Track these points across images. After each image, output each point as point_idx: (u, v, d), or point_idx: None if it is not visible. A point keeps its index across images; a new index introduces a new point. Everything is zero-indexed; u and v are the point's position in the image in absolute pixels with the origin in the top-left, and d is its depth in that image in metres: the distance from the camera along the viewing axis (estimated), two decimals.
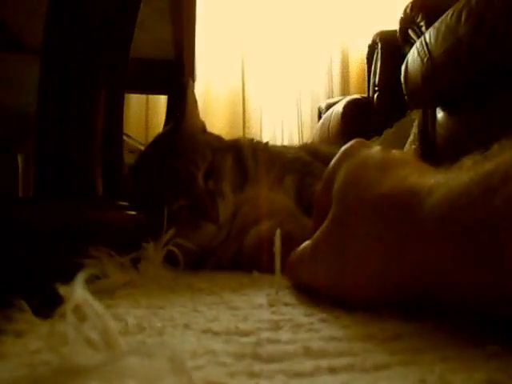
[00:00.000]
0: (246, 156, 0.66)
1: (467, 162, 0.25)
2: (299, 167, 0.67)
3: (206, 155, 0.61)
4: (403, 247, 0.26)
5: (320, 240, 0.33)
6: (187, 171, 0.58)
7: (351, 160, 0.34)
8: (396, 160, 0.32)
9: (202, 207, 0.57)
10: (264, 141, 0.78)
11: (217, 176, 0.60)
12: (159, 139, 0.68)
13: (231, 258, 0.58)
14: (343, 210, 0.31)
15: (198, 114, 0.67)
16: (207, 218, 0.57)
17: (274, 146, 0.77)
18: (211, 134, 0.69)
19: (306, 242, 0.36)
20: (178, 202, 0.57)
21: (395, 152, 0.34)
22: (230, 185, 0.61)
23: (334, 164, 0.36)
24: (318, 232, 0.34)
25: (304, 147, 0.82)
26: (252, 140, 0.75)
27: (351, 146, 0.36)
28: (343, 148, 0.36)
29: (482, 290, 0.22)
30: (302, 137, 2.65)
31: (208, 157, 0.61)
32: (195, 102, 0.66)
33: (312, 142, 1.03)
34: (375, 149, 0.34)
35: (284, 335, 0.25)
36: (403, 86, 1.46)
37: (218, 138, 0.68)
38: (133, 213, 0.46)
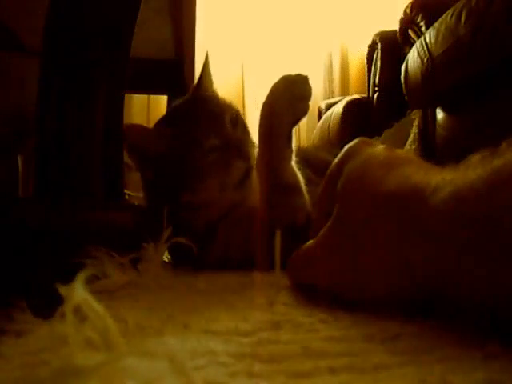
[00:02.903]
0: None
1: (474, 159, 0.25)
2: None
3: (231, 106, 0.63)
4: (408, 245, 0.26)
5: (324, 239, 0.33)
6: (216, 113, 0.60)
7: (355, 159, 0.33)
8: (400, 158, 0.32)
9: (233, 143, 0.58)
10: None
11: (242, 130, 0.62)
12: (182, 100, 0.69)
13: (238, 254, 0.56)
14: (347, 208, 0.31)
15: (212, 84, 0.69)
16: (240, 154, 0.58)
17: None
18: None
19: (309, 242, 0.35)
20: (210, 141, 0.58)
21: (399, 151, 0.34)
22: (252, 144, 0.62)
23: (338, 163, 0.35)
24: (321, 231, 0.33)
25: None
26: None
27: (355, 145, 0.36)
28: (347, 147, 0.36)
29: (485, 288, 0.22)
30: (299, 137, 2.64)
31: (234, 108, 0.63)
32: (209, 73, 0.69)
33: (298, 147, 1.03)
34: (379, 147, 0.34)
35: (284, 335, 0.25)
36: (403, 86, 1.46)
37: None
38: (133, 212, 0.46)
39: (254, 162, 0.59)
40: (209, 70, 0.68)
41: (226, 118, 0.60)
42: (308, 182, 0.59)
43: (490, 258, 0.21)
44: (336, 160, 0.36)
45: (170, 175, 0.58)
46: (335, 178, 0.34)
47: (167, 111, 0.71)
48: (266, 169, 0.55)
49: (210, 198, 0.57)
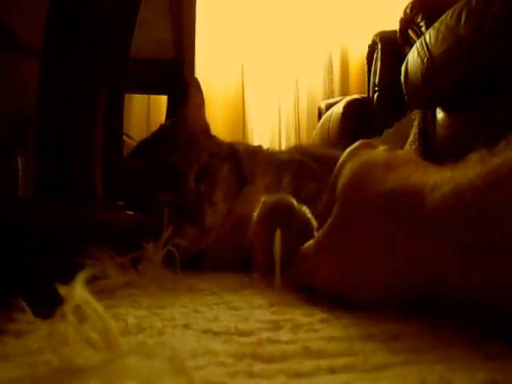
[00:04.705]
0: (241, 161, 0.66)
1: (473, 157, 0.25)
2: (294, 168, 0.66)
3: (200, 157, 0.60)
4: (407, 244, 0.26)
5: (323, 240, 0.33)
6: (179, 168, 0.58)
7: (356, 160, 0.34)
8: (400, 159, 0.32)
9: (188, 209, 0.56)
10: (260, 143, 0.77)
11: (210, 182, 0.59)
12: (159, 132, 0.67)
13: (229, 259, 0.57)
14: (347, 208, 0.31)
15: (202, 115, 0.66)
16: (191, 222, 0.55)
17: (266, 149, 0.76)
18: (213, 139, 0.68)
19: (309, 242, 0.35)
20: (165, 196, 0.56)
21: (400, 151, 0.34)
22: (224, 194, 0.60)
23: (339, 165, 0.36)
24: (320, 231, 0.34)
25: (297, 149, 0.82)
26: (246, 144, 0.75)
27: (356, 148, 0.36)
28: (348, 149, 0.36)
29: (485, 287, 0.22)
30: (300, 138, 2.65)
31: (203, 159, 0.60)
32: (200, 101, 0.65)
33: (302, 145, 1.03)
34: (380, 149, 0.34)
35: (284, 335, 0.25)
36: (403, 86, 1.46)
37: (219, 144, 0.67)
38: (132, 213, 0.46)
39: (216, 222, 0.57)
40: (197, 98, 0.65)
41: (192, 171, 0.58)
42: (317, 178, 0.59)
43: (489, 256, 0.21)
44: (338, 163, 0.36)
45: (138, 207, 0.55)
46: (336, 174, 0.34)
47: (146, 137, 0.68)
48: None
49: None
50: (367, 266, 0.29)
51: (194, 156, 0.60)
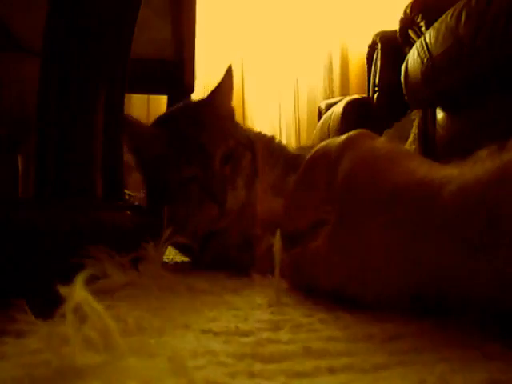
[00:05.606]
0: (257, 154, 0.66)
1: (482, 154, 0.25)
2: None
3: (228, 141, 0.61)
4: (415, 241, 0.25)
5: (327, 239, 0.32)
6: (206, 147, 0.58)
7: (356, 151, 0.33)
8: (403, 153, 0.31)
9: (211, 187, 0.57)
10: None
11: (234, 167, 0.60)
12: (183, 108, 0.67)
13: (232, 251, 0.58)
14: (351, 206, 0.31)
15: (229, 100, 0.67)
16: (214, 199, 0.57)
17: (278, 142, 0.77)
18: (238, 126, 0.68)
19: (312, 243, 0.35)
20: (191, 170, 0.57)
21: (399, 145, 0.34)
22: (244, 182, 0.61)
23: (337, 150, 0.34)
24: (325, 231, 0.33)
25: (302, 149, 0.82)
26: (261, 137, 0.75)
27: (356, 136, 0.35)
28: (346, 135, 0.35)
29: (493, 282, 0.22)
30: (300, 138, 2.65)
31: (230, 144, 0.61)
32: (230, 86, 0.66)
33: (304, 146, 1.04)
34: (380, 140, 0.33)
35: (284, 335, 0.25)
36: (403, 86, 1.46)
37: (243, 133, 0.67)
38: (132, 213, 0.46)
39: (234, 206, 0.58)
40: (229, 83, 0.66)
41: (219, 151, 0.58)
42: None
43: (497, 254, 0.21)
44: (335, 146, 0.35)
45: (157, 180, 0.58)
46: (333, 165, 0.34)
47: (171, 109, 0.69)
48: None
49: (183, 223, 0.55)
50: (373, 265, 0.28)
51: (221, 138, 0.60)
